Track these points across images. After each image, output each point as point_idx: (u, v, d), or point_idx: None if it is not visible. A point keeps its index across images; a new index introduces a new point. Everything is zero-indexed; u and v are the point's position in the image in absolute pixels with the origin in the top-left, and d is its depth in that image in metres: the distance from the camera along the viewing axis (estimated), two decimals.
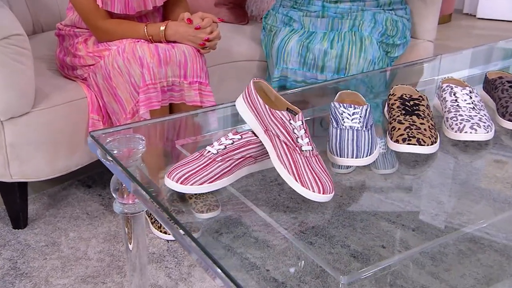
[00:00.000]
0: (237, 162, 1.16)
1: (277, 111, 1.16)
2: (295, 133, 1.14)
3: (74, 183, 2.19)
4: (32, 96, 1.75)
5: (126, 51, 1.73)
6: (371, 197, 1.27)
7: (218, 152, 1.16)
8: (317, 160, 1.14)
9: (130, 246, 1.41)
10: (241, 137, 1.18)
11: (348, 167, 1.30)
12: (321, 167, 1.13)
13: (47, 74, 1.96)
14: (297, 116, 1.15)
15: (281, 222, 1.15)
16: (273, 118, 1.16)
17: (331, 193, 1.10)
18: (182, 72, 1.75)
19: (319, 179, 1.10)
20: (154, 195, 1.13)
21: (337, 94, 1.45)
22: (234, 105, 1.26)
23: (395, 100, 1.42)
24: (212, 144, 1.18)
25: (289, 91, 1.76)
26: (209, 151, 1.16)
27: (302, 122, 1.15)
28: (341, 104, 1.34)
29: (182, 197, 1.18)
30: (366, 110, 1.32)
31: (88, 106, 1.86)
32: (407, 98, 1.41)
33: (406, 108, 1.38)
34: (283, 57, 2.08)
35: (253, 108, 1.20)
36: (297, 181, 1.10)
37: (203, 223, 1.18)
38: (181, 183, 1.11)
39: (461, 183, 1.34)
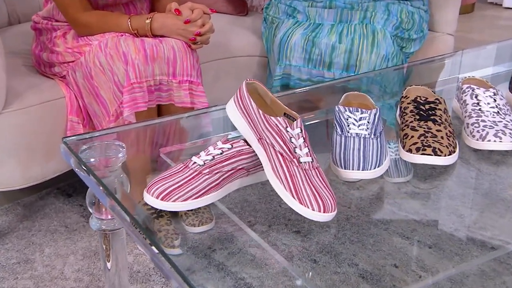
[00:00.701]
0: (226, 175, 1.14)
1: (272, 117, 1.14)
2: (292, 142, 1.12)
3: (53, 191, 2.17)
4: (3, 96, 1.73)
5: (108, 46, 1.71)
6: (383, 209, 1.28)
7: (205, 163, 1.14)
8: (318, 173, 1.12)
9: (109, 265, 1.40)
10: (232, 146, 1.17)
11: None
12: (322, 181, 1.11)
13: (22, 71, 1.95)
14: (295, 122, 1.13)
15: (281, 237, 1.15)
16: (267, 125, 1.13)
17: (333, 211, 1.08)
18: (170, 69, 1.73)
19: (319, 196, 1.08)
20: (135, 212, 1.10)
21: (343, 96, 1.44)
22: None
23: (408, 104, 1.41)
24: (199, 154, 1.16)
25: (291, 91, 1.77)
26: (195, 163, 1.14)
27: (301, 130, 1.13)
28: (346, 108, 1.32)
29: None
30: (375, 114, 1.30)
31: (67, 107, 1.84)
32: (421, 101, 1.40)
33: (421, 112, 1.36)
34: (285, 53, 2.06)
35: (246, 113, 1.18)
36: (294, 198, 1.07)
37: (194, 237, 1.17)
38: (162, 199, 1.09)
39: (484, 193, 1.33)
